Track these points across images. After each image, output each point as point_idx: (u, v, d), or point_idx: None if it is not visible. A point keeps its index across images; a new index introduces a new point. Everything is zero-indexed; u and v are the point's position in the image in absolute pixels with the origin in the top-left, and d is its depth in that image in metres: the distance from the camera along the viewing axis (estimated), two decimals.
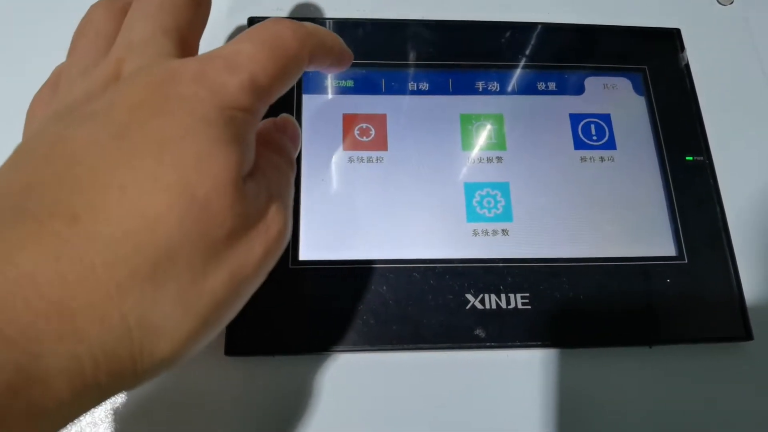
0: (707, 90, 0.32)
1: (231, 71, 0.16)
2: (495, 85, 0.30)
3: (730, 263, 0.28)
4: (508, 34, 0.31)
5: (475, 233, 0.27)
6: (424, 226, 0.27)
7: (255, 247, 0.16)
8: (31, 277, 0.12)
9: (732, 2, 0.35)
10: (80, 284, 0.13)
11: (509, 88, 0.30)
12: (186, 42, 0.19)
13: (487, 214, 0.28)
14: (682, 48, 0.32)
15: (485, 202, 0.28)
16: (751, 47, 0.34)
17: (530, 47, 0.31)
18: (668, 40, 0.32)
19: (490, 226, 0.27)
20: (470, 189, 0.28)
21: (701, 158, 0.30)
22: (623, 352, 0.27)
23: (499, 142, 0.29)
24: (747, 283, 0.28)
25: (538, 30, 0.32)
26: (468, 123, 0.29)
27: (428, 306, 0.26)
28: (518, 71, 0.31)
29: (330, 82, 0.29)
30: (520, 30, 0.32)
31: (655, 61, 0.32)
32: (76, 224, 0.13)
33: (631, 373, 0.26)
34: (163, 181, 0.14)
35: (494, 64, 0.31)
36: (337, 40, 0.21)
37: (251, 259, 0.16)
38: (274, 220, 0.17)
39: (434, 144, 0.29)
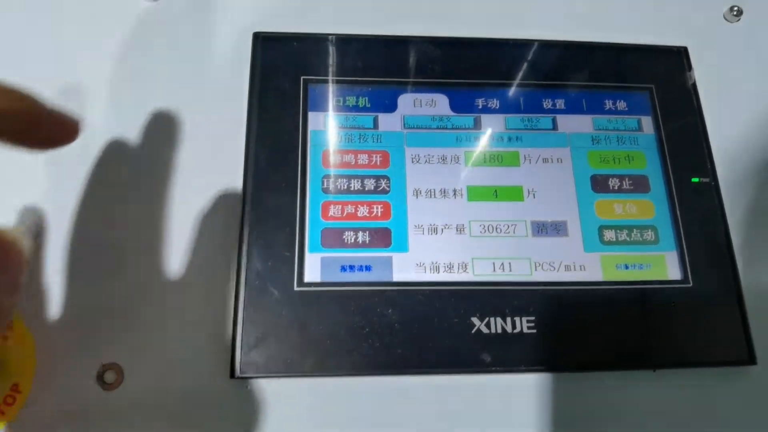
0: (714, 109, 0.31)
1: None
2: (495, 103, 0.30)
3: (735, 286, 0.28)
4: (509, 51, 0.31)
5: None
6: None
7: None
8: None
9: (739, 19, 0.35)
10: None
11: (511, 107, 0.30)
12: None
13: None
14: (690, 67, 0.32)
15: None
16: (758, 64, 0.34)
17: (536, 65, 0.31)
18: (675, 59, 0.32)
19: None
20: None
21: (707, 180, 0.30)
22: (628, 376, 0.27)
23: (510, 159, 0.29)
24: (751, 307, 0.28)
25: (545, 47, 0.31)
26: (473, 144, 0.29)
27: (434, 330, 0.26)
28: (521, 90, 0.30)
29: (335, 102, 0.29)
30: (525, 47, 0.31)
31: (662, 80, 0.32)
32: None
33: (636, 396, 0.26)
34: None
35: (495, 82, 0.30)
36: (24, 103, 0.15)
37: None
38: None
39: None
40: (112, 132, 0.28)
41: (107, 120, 0.29)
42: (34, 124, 0.16)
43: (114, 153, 0.28)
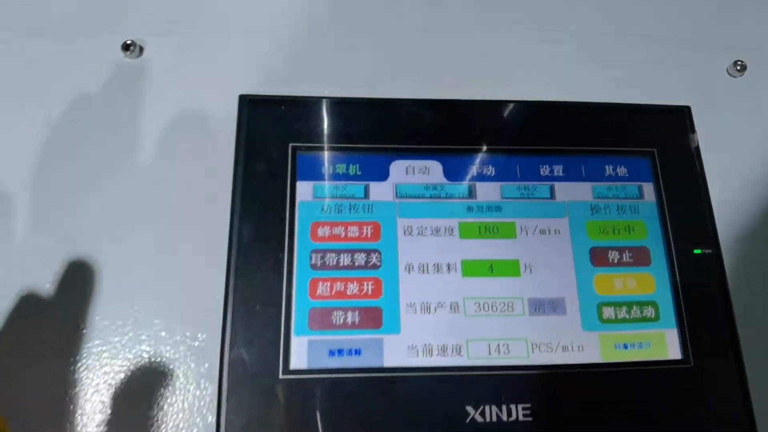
0: (717, 173, 0.30)
1: None
2: (491, 170, 0.29)
3: (737, 365, 0.27)
4: (506, 113, 0.30)
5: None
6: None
7: None
8: None
9: (743, 74, 0.34)
10: None
11: (507, 174, 0.29)
12: None
13: None
14: (693, 129, 0.31)
15: None
16: (763, 120, 0.33)
17: (532, 128, 0.30)
18: (678, 119, 0.31)
19: None
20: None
21: (710, 251, 0.29)
22: None
23: (506, 231, 0.28)
24: (753, 385, 0.27)
25: (541, 109, 0.30)
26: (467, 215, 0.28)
27: (426, 419, 0.24)
28: (518, 155, 0.29)
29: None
30: (521, 109, 0.30)
31: (664, 142, 0.30)
32: None
33: None
34: None
35: (491, 147, 0.29)
36: None
37: None
38: None
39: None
40: (88, 196, 0.27)
41: (84, 182, 0.27)
42: None
43: (87, 220, 0.27)
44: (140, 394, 0.25)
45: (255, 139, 0.28)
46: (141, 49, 0.29)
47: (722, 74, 0.34)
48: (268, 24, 0.31)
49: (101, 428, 0.24)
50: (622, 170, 0.30)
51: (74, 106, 0.29)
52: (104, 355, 0.25)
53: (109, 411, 0.24)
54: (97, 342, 0.25)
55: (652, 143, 0.30)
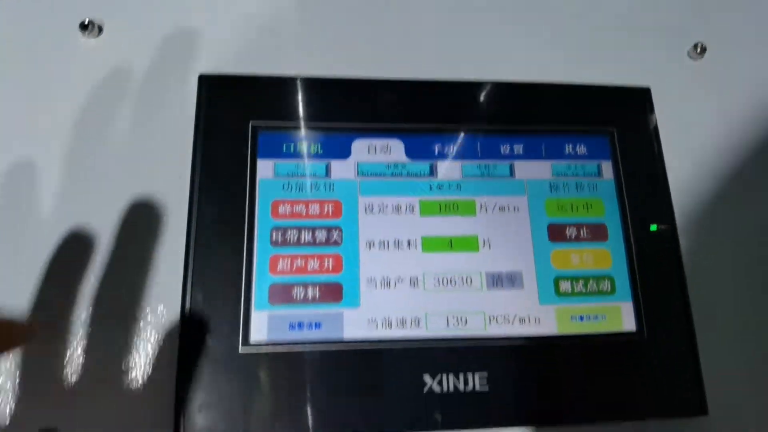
0: (675, 152, 0.31)
1: None
2: (452, 149, 0.29)
3: (689, 338, 0.28)
4: (467, 93, 0.30)
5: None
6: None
7: None
8: None
9: (703, 56, 0.34)
10: None
11: (468, 153, 0.29)
12: None
13: None
14: (652, 109, 0.32)
15: None
16: (721, 103, 0.33)
17: (493, 108, 0.30)
18: (638, 100, 0.32)
19: None
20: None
21: (666, 227, 0.29)
22: (583, 430, 0.27)
23: (466, 208, 0.28)
24: (705, 357, 0.28)
25: (502, 89, 0.31)
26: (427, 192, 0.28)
27: (385, 390, 0.25)
28: (479, 134, 0.29)
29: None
30: (482, 89, 0.30)
31: (623, 122, 0.31)
32: None
33: None
34: None
35: (453, 126, 0.29)
36: None
37: None
38: None
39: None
40: (50, 180, 0.27)
41: (44, 165, 0.27)
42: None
43: (47, 200, 0.27)
44: (96, 371, 0.25)
45: (215, 118, 0.28)
46: (100, 29, 0.29)
47: (683, 57, 0.34)
48: (230, 3, 0.31)
49: (54, 410, 0.24)
50: (581, 149, 0.30)
51: (32, 87, 0.28)
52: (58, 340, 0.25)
53: (65, 392, 0.24)
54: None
55: (612, 123, 0.31)
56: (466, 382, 0.26)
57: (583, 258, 0.28)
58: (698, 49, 0.34)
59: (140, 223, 0.27)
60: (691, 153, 0.32)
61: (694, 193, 0.31)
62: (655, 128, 0.31)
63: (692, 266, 0.29)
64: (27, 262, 0.26)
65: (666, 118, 0.32)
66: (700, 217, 0.31)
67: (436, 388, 0.25)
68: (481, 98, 0.30)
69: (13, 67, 0.29)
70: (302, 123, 0.28)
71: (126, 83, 0.29)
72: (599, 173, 0.30)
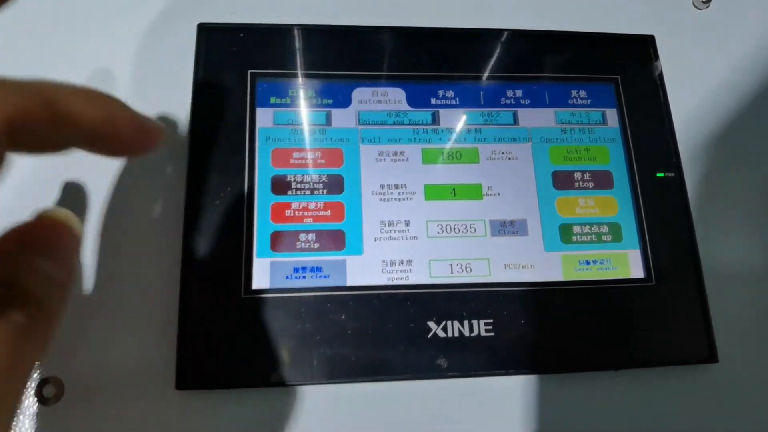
0: (680, 101, 0.31)
1: None
2: (454, 97, 0.29)
3: (698, 285, 0.27)
4: (469, 42, 0.30)
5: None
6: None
7: None
8: None
9: (708, 6, 0.34)
10: None
11: (471, 101, 0.29)
12: None
13: None
14: (656, 56, 0.31)
15: None
16: (726, 53, 0.33)
17: (496, 56, 0.30)
18: (642, 48, 0.31)
19: None
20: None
21: (672, 174, 0.29)
22: (589, 377, 0.26)
23: (469, 156, 0.28)
24: (714, 305, 0.27)
25: (505, 37, 0.30)
26: (430, 141, 0.28)
27: (388, 335, 0.25)
28: (481, 83, 0.29)
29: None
30: (484, 37, 0.30)
31: (627, 70, 0.30)
32: None
33: (597, 397, 0.26)
34: None
35: (455, 74, 0.29)
36: (106, 107, 0.13)
37: None
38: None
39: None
40: None
41: None
42: (116, 130, 0.14)
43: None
44: (96, 318, 0.25)
45: (214, 67, 0.27)
46: None
47: (688, 6, 0.34)
48: None
49: (54, 359, 0.24)
50: (585, 96, 0.30)
51: (28, 39, 0.28)
52: None
53: (65, 341, 0.24)
54: None
55: (616, 71, 0.30)
56: (471, 329, 0.25)
57: (588, 205, 0.28)
58: None
59: (139, 172, 0.27)
60: (696, 100, 0.31)
61: (700, 140, 0.31)
62: (660, 76, 0.31)
63: (700, 213, 0.29)
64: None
65: (671, 66, 0.31)
66: (707, 163, 0.30)
67: (441, 334, 0.25)
68: (484, 47, 0.30)
69: (6, 17, 0.28)
70: (301, 72, 0.28)
71: (124, 34, 0.28)
72: (604, 121, 0.29)
